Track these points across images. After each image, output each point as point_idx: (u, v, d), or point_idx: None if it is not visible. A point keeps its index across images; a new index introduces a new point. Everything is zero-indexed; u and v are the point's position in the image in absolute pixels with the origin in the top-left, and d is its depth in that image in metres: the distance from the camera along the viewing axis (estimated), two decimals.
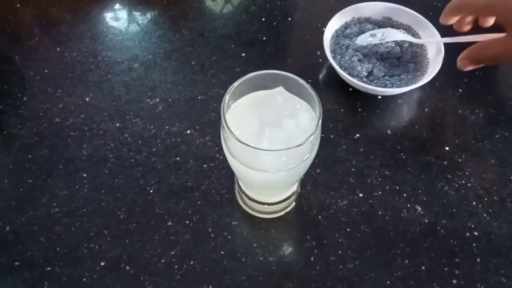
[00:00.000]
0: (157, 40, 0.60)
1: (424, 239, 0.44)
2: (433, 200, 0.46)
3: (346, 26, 0.57)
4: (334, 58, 0.53)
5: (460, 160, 0.49)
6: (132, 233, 0.44)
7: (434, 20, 0.52)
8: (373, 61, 0.53)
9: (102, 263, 0.42)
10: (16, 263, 0.42)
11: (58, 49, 0.59)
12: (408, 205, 0.46)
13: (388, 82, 0.52)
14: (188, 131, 0.51)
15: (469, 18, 0.48)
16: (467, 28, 0.49)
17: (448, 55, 0.50)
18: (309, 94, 0.36)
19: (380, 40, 0.53)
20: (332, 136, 0.51)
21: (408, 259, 0.42)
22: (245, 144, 0.32)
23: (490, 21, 0.48)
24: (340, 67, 0.52)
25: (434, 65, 0.51)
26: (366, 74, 0.52)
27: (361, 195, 0.46)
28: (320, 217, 0.45)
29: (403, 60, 0.53)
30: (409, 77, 0.52)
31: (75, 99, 0.54)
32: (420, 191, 0.47)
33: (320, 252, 0.43)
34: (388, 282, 0.41)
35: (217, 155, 0.49)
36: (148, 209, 0.46)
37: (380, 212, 0.45)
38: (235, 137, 0.33)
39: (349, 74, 0.52)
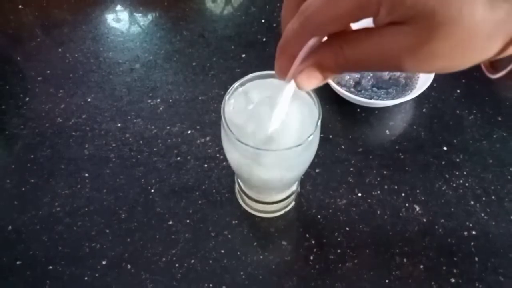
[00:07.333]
0: (158, 41, 0.61)
1: (422, 238, 0.44)
2: (431, 199, 0.46)
3: None
4: None
5: (458, 160, 0.49)
6: (133, 232, 0.44)
7: None
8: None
9: (104, 262, 0.43)
10: (18, 262, 0.43)
11: (59, 50, 0.59)
12: (407, 205, 0.46)
13: (374, 94, 0.51)
14: (189, 131, 0.52)
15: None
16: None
17: None
18: (309, 94, 0.36)
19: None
20: (331, 136, 0.51)
21: (407, 258, 0.43)
22: (245, 144, 0.33)
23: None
24: None
25: (423, 81, 0.51)
26: (353, 83, 0.52)
27: (360, 194, 0.47)
28: (319, 216, 0.45)
29: (394, 75, 0.53)
30: (396, 91, 0.52)
31: (77, 99, 0.54)
32: (418, 191, 0.47)
33: (319, 251, 0.43)
34: (386, 281, 0.42)
35: (218, 155, 0.49)
36: (149, 209, 0.46)
37: (378, 212, 0.46)
38: (235, 137, 0.33)
39: (337, 83, 0.52)
